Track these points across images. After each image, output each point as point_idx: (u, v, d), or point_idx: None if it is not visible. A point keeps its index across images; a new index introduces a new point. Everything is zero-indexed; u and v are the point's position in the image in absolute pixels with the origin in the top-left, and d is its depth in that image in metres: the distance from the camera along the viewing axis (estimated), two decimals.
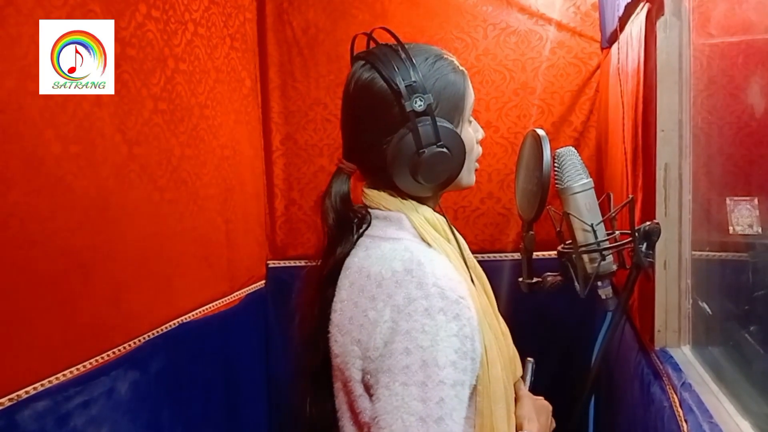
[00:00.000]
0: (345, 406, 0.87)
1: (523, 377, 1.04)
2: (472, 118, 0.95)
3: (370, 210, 0.93)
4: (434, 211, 0.93)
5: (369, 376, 0.80)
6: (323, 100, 2.13)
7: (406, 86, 0.84)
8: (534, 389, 1.09)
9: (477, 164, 0.98)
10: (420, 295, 0.78)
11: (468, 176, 0.95)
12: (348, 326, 0.84)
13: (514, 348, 0.98)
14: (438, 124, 0.86)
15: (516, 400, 0.96)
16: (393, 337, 0.77)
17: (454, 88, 0.89)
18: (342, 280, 0.89)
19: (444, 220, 0.94)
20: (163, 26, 1.45)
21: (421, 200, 0.93)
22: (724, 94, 1.38)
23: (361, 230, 0.91)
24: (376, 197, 0.92)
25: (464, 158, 0.90)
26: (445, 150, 0.86)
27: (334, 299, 0.89)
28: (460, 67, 0.92)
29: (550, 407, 1.06)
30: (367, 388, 0.81)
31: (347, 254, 0.91)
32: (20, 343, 1.03)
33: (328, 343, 0.89)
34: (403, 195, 0.92)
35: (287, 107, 2.16)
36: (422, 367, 0.74)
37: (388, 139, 0.87)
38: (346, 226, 0.92)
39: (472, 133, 0.94)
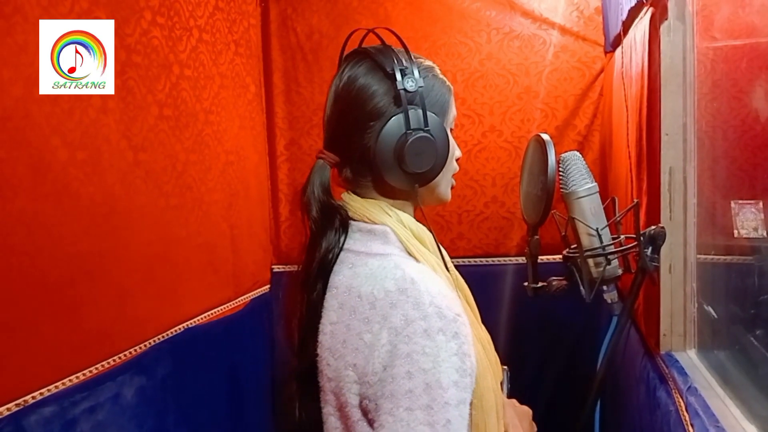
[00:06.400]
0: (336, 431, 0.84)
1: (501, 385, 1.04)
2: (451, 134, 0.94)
3: (352, 222, 0.89)
4: (416, 220, 0.91)
5: (368, 401, 0.77)
6: None
7: (400, 69, 0.84)
8: (521, 394, 1.09)
9: (453, 180, 0.96)
10: (418, 315, 0.76)
11: (445, 187, 0.94)
12: (341, 350, 0.81)
13: (496, 354, 0.96)
14: (427, 111, 0.84)
15: None
16: (393, 361, 0.75)
17: (440, 92, 0.89)
18: (329, 300, 0.86)
19: (428, 231, 0.91)
20: (168, 33, 1.46)
21: (402, 206, 0.91)
22: (728, 98, 1.38)
23: (341, 242, 0.88)
24: (359, 208, 0.89)
25: (447, 155, 0.88)
26: (431, 137, 0.84)
27: (322, 321, 0.85)
28: (448, 83, 0.92)
29: (531, 412, 1.05)
30: (365, 413, 0.78)
31: (333, 249, 0.87)
32: (27, 348, 1.04)
33: (316, 348, 0.86)
34: (387, 193, 0.89)
35: (291, 112, 2.17)
36: (426, 390, 0.73)
37: (371, 124, 0.85)
38: (330, 217, 0.88)
39: (453, 141, 0.92)
